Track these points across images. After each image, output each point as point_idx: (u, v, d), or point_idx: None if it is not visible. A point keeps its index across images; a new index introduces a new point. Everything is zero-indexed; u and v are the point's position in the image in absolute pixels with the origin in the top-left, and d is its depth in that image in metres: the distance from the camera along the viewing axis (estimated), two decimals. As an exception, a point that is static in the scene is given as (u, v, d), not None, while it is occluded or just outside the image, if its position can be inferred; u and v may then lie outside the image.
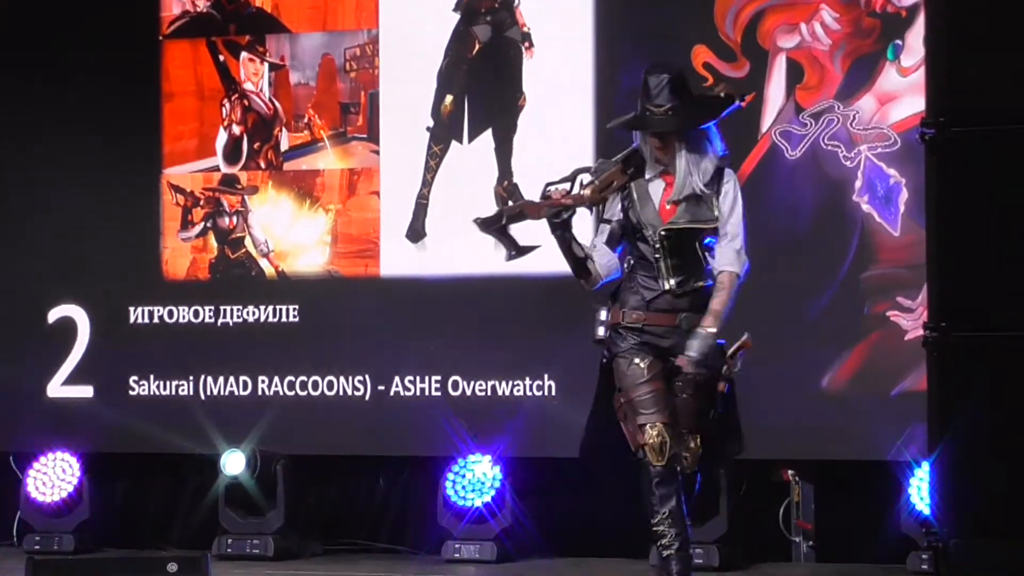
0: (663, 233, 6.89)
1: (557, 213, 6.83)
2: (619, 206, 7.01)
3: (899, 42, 8.91)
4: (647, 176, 6.96)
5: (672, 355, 6.90)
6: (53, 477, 9.94)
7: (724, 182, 6.97)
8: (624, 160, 6.95)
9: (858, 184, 8.96)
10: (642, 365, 6.91)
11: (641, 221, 6.94)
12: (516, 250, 7.03)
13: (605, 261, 7.01)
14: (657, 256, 6.92)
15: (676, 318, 6.90)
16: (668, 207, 6.94)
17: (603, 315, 7.12)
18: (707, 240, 6.95)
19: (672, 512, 6.85)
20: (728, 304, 6.91)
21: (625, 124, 7.07)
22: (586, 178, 6.90)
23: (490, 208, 9.30)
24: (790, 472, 9.21)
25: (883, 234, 8.92)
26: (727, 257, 6.94)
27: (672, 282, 6.88)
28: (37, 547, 9.68)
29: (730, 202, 6.98)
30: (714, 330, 6.81)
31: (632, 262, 7.05)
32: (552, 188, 6.91)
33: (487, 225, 6.96)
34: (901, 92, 8.89)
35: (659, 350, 6.90)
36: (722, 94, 7.31)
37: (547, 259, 9.19)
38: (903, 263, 8.85)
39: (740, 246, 6.99)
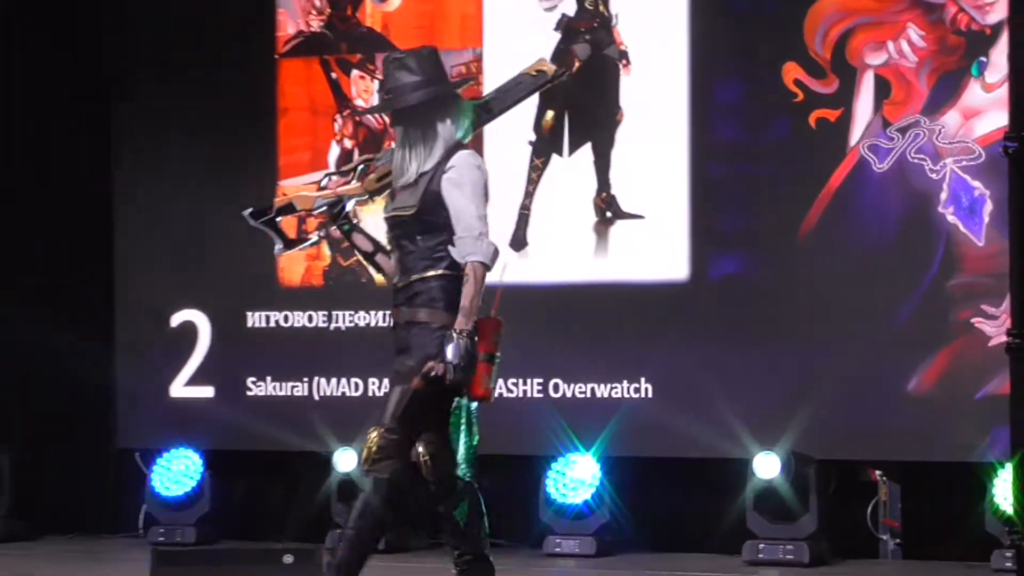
0: (387, 223, 6.26)
1: (330, 204, 6.39)
2: None
3: (983, 59, 8.84)
4: (396, 156, 6.32)
5: (399, 352, 6.28)
6: (176, 473, 10.04)
7: (448, 167, 6.11)
8: None
9: (943, 196, 8.91)
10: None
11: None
12: (285, 242, 6.59)
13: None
14: (390, 249, 6.32)
15: (399, 313, 6.25)
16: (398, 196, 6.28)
17: None
18: (427, 230, 6.12)
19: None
20: (478, 296, 6.08)
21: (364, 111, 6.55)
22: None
23: (587, 218, 9.52)
24: (878, 472, 9.19)
25: (968, 244, 8.86)
26: (466, 246, 6.09)
27: (397, 277, 6.24)
28: (161, 538, 9.78)
29: (455, 190, 6.09)
30: (466, 328, 6.01)
31: None
32: (329, 179, 6.53)
33: (256, 217, 6.52)
34: (985, 107, 8.83)
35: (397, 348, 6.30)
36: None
37: (644, 268, 9.36)
38: (987, 272, 8.78)
39: (478, 232, 6.10)
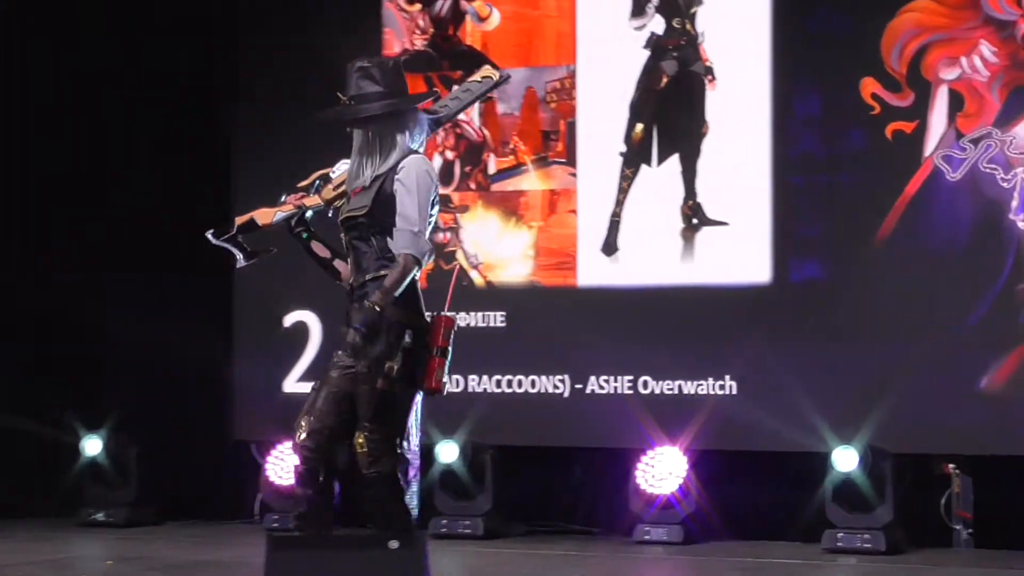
0: (342, 226, 6.10)
1: (287, 217, 6.26)
2: None
3: (1053, 73, 8.91)
4: (352, 164, 6.18)
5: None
6: (289, 463, 9.77)
7: (399, 169, 5.98)
8: None
9: (1014, 203, 8.92)
10: (333, 359, 6.16)
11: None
12: (246, 255, 6.41)
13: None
14: (346, 251, 6.16)
15: (354, 312, 6.02)
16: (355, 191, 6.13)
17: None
18: (380, 231, 5.99)
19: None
20: (402, 284, 5.88)
21: (319, 116, 6.40)
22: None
23: (675, 224, 9.56)
24: (951, 465, 9.16)
25: (1038, 249, 8.93)
26: (403, 240, 5.91)
27: (352, 278, 6.10)
28: (275, 524, 9.81)
29: (402, 188, 5.94)
30: (379, 304, 5.84)
31: None
32: (286, 196, 6.30)
33: (218, 235, 6.39)
34: (1055, 119, 8.91)
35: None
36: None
37: (729, 271, 9.39)
38: (1057, 276, 8.87)
39: (417, 229, 5.94)
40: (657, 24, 9.63)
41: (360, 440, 5.94)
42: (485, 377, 9.92)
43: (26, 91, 10.68)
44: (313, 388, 6.20)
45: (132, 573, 8.52)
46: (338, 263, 6.20)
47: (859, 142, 9.25)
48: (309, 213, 6.23)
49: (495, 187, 10.00)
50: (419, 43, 10.13)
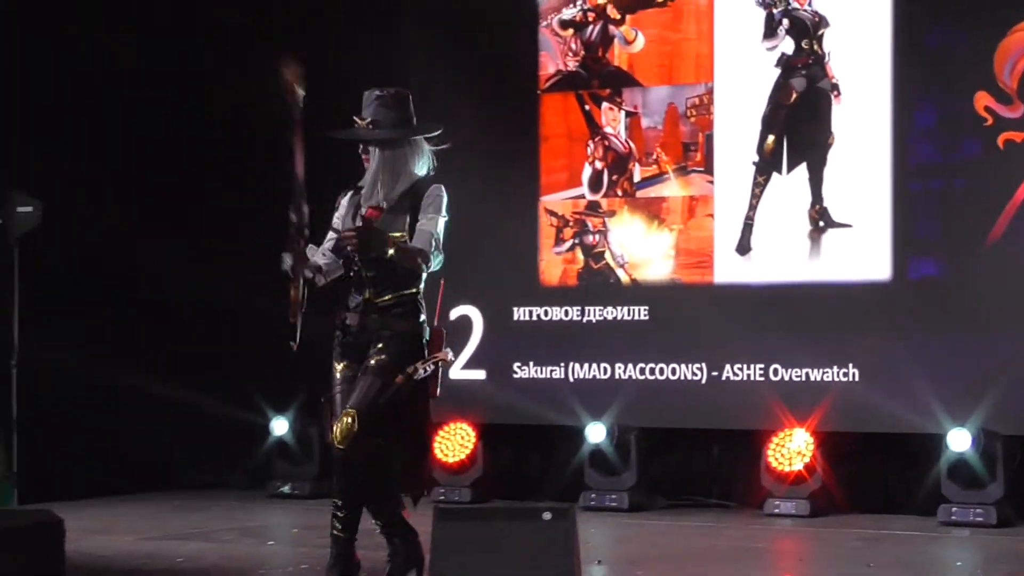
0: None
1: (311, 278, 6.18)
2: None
3: None
4: (367, 184, 6.28)
5: (365, 353, 6.15)
6: (454, 443, 10.20)
7: (425, 196, 6.15)
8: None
9: (1115, 206, 8.85)
10: (338, 366, 6.22)
11: (339, 230, 6.24)
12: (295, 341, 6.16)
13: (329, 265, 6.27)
14: (356, 267, 6.19)
15: (368, 320, 6.14)
16: (364, 217, 6.21)
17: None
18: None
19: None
20: (408, 261, 6.03)
21: (334, 134, 6.35)
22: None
23: (803, 227, 9.48)
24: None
25: None
26: (424, 243, 6.09)
27: (368, 292, 6.17)
28: (442, 498, 9.93)
29: (433, 209, 6.14)
30: (388, 234, 5.98)
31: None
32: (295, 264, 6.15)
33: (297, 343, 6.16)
34: None
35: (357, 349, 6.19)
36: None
37: (852, 269, 9.35)
38: None
39: (434, 237, 6.13)
40: (787, 45, 9.62)
41: (347, 420, 5.99)
42: (630, 365, 9.94)
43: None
44: (325, 400, 6.23)
45: (317, 541, 8.70)
46: (318, 277, 6.20)
47: (973, 150, 9.18)
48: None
49: (640, 194, 9.98)
50: (572, 64, 10.14)
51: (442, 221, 6.22)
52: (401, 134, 6.23)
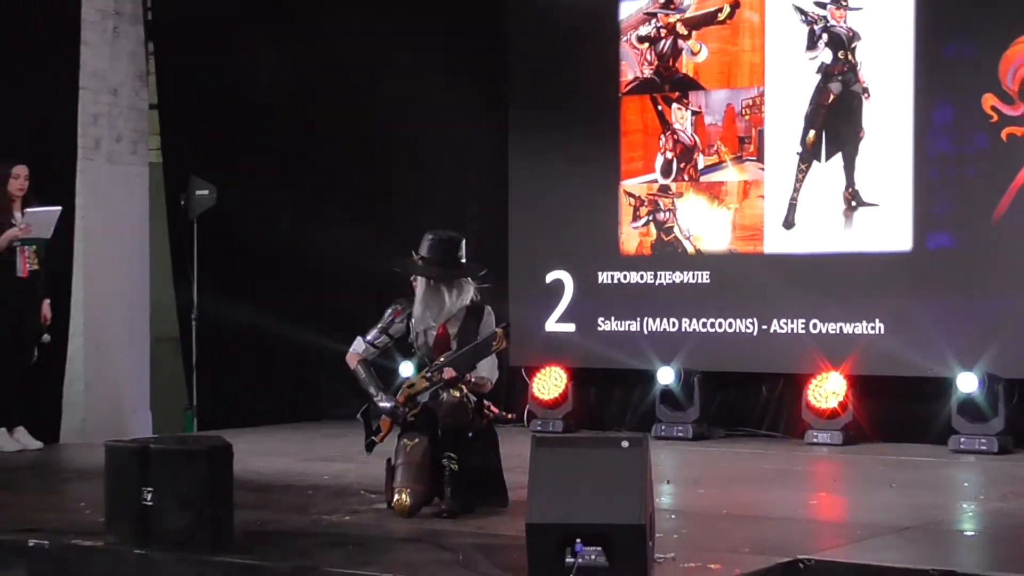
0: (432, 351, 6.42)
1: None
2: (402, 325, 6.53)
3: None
4: (415, 313, 6.46)
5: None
6: (549, 383, 10.27)
7: (484, 318, 6.45)
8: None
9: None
10: (407, 442, 6.35)
11: (418, 348, 6.50)
12: (368, 442, 6.49)
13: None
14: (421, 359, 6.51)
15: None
16: (438, 337, 6.45)
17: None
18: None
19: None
20: (480, 371, 6.31)
21: (404, 267, 6.57)
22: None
23: (838, 206, 9.40)
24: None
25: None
26: (486, 367, 6.42)
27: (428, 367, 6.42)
28: (538, 428, 9.99)
29: (485, 329, 6.42)
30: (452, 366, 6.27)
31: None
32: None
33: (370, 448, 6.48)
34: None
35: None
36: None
37: (879, 241, 9.30)
38: None
39: (496, 362, 6.49)
40: (826, 55, 9.59)
41: (458, 393, 6.23)
42: (694, 320, 9.95)
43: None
44: (389, 466, 6.34)
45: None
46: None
47: (981, 143, 9.13)
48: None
49: (703, 179, 9.97)
50: (647, 72, 10.13)
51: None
52: (463, 271, 6.47)
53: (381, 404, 6.39)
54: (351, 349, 6.60)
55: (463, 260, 6.53)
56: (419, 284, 6.47)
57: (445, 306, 6.42)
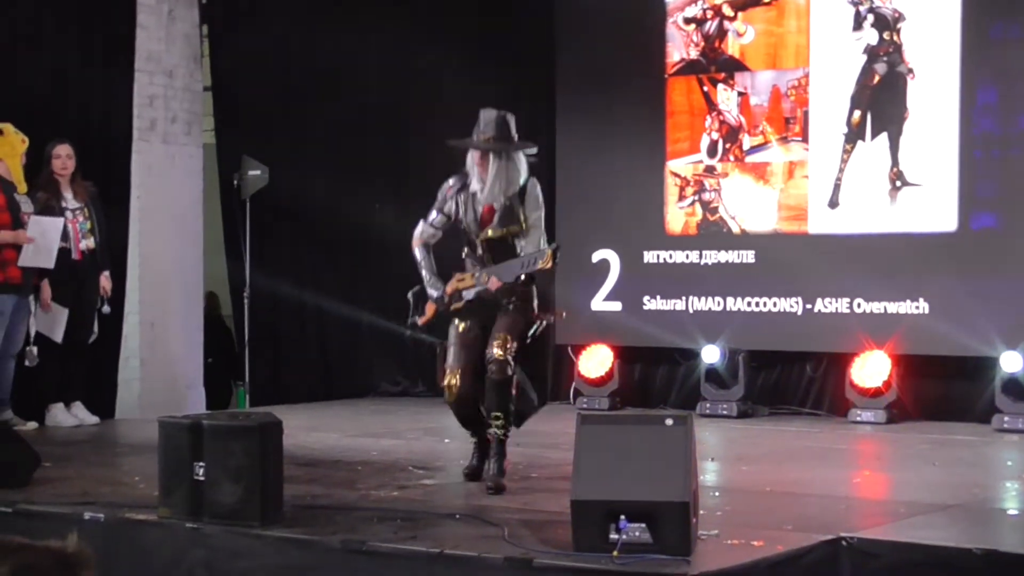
0: (483, 240, 6.35)
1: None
2: (454, 205, 6.45)
3: None
4: (471, 188, 6.38)
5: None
6: (595, 361, 10.19)
7: (527, 192, 6.34)
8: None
9: None
10: (459, 325, 6.39)
11: (466, 226, 6.40)
12: (414, 321, 6.50)
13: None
14: (480, 254, 6.40)
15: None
16: (484, 214, 6.36)
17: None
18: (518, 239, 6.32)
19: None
20: (533, 264, 6.14)
21: (457, 142, 6.46)
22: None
23: (883, 186, 9.34)
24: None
25: None
26: (533, 240, 6.32)
27: (485, 265, 6.37)
28: (584, 405, 9.95)
29: (531, 203, 6.34)
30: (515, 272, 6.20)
31: (465, 250, 6.49)
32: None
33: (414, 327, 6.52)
34: None
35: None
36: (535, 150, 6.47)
37: (924, 222, 9.28)
38: None
39: (543, 233, 6.38)
40: (871, 36, 9.54)
41: (498, 351, 6.18)
42: (739, 299, 9.92)
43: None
44: (440, 348, 6.42)
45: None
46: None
47: None
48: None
49: (748, 159, 9.94)
50: (693, 53, 10.11)
51: (542, 214, 6.41)
52: (519, 147, 6.40)
53: (430, 291, 6.45)
54: (415, 233, 6.61)
55: (515, 136, 6.46)
56: (473, 160, 6.38)
57: (512, 180, 6.33)
